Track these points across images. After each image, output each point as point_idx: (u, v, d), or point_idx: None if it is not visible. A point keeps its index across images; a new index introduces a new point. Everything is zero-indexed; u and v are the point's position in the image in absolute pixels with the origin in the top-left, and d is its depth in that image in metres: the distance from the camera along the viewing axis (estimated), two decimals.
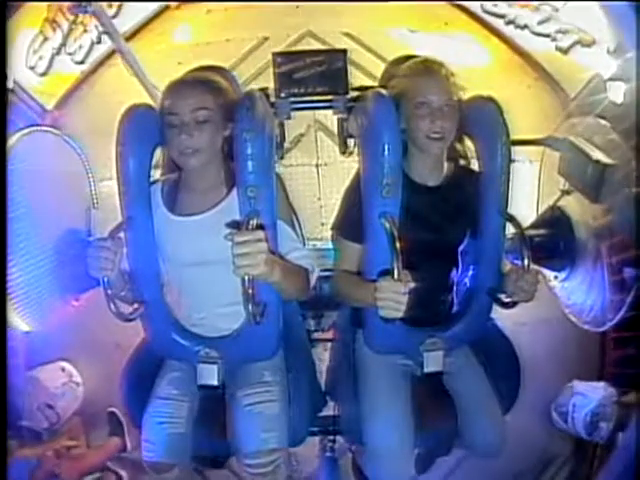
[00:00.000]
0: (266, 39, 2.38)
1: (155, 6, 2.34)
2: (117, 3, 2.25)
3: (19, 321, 1.74)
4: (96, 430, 2.34)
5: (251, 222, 1.10)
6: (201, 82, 1.32)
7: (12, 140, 1.68)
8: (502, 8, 2.25)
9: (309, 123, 2.42)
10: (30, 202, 1.72)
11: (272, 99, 1.76)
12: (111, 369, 1.68)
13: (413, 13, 2.32)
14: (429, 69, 1.34)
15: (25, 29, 2.23)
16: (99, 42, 2.29)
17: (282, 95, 1.79)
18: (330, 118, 2.31)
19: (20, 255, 1.70)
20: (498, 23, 2.28)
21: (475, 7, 2.28)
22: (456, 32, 2.28)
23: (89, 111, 2.29)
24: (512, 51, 2.33)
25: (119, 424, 2.30)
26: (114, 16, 2.25)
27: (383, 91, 1.35)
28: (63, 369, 2.35)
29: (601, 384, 2.07)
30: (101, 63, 2.38)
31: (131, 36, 2.32)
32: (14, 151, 1.67)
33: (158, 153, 1.37)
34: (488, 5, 2.25)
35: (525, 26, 2.23)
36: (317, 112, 2.37)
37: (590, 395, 2.03)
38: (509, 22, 2.26)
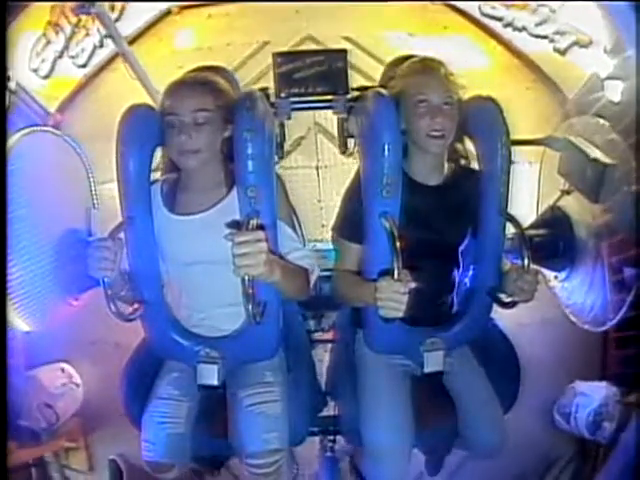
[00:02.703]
0: (266, 43, 2.39)
1: (157, 11, 2.35)
2: (119, 6, 2.25)
3: (19, 321, 1.74)
4: (95, 432, 2.33)
5: (251, 222, 1.10)
6: (201, 83, 1.31)
7: (12, 140, 1.68)
8: (500, 11, 2.25)
9: (309, 126, 2.43)
10: (30, 202, 1.72)
11: (272, 99, 1.76)
12: (111, 369, 1.68)
13: (412, 17, 2.34)
14: (428, 67, 1.34)
15: (28, 31, 2.22)
16: (101, 46, 2.30)
17: (282, 95, 1.79)
18: (330, 120, 2.32)
19: (20, 255, 1.70)
20: (496, 26, 2.29)
21: (473, 10, 2.28)
22: (455, 35, 2.30)
23: (91, 114, 2.30)
24: (510, 53, 2.34)
25: (119, 471, 2.24)
26: (116, 20, 2.25)
27: (383, 91, 1.35)
28: (62, 370, 2.34)
29: (603, 384, 2.07)
30: (103, 67, 2.38)
31: (133, 40, 2.33)
32: (14, 151, 1.67)
33: (159, 153, 1.37)
34: (486, 8, 2.25)
35: (523, 28, 2.24)
36: (317, 115, 2.37)
37: (592, 395, 2.02)
38: (507, 24, 2.26)
